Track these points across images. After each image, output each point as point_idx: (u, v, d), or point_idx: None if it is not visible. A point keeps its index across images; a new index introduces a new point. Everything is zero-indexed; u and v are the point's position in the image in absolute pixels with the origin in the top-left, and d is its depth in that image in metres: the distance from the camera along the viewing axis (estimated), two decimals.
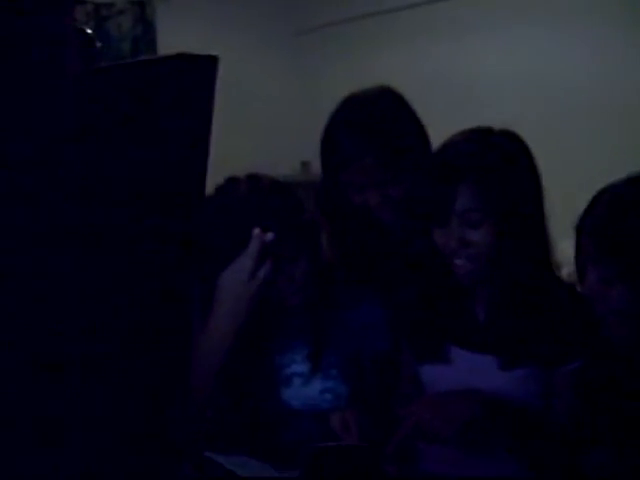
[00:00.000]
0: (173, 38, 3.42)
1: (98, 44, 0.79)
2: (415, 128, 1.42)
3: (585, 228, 1.08)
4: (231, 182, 1.33)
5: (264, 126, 3.87)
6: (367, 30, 3.85)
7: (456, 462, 1.23)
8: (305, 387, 1.31)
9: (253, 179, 1.32)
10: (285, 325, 1.35)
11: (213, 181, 1.37)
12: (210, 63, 0.60)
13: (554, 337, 1.20)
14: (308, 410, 1.30)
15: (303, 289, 1.30)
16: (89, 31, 0.77)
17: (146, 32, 3.46)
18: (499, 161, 1.20)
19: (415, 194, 1.29)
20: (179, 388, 0.66)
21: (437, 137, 1.34)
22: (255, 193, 1.29)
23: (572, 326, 1.18)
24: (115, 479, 0.63)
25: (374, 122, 1.36)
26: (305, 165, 3.62)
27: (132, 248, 0.61)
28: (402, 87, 1.49)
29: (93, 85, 0.60)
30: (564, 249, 1.24)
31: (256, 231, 1.21)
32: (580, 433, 1.14)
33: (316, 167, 1.49)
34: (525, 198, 1.22)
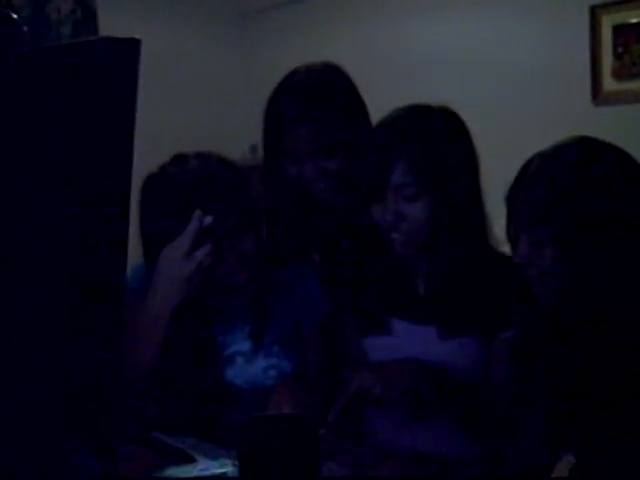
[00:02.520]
0: (115, 22, 3.36)
1: (24, 28, 0.78)
2: (355, 102, 1.43)
3: (515, 196, 1.10)
4: (179, 159, 1.32)
5: (212, 109, 3.83)
6: (315, 12, 3.85)
7: (400, 427, 1.26)
8: (248, 365, 1.32)
9: (201, 156, 1.32)
10: (227, 304, 1.35)
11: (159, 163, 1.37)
12: (132, 46, 0.59)
13: (490, 306, 1.24)
14: (253, 388, 1.31)
15: (250, 267, 1.30)
16: (14, 15, 0.76)
17: (86, 16, 3.40)
18: (434, 137, 1.22)
19: (352, 168, 1.31)
20: (111, 378, 0.66)
21: (381, 114, 1.34)
22: (203, 169, 1.29)
23: (507, 295, 1.22)
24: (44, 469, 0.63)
25: (313, 91, 1.38)
26: (254, 149, 3.61)
27: (58, 240, 0.59)
28: (348, 65, 1.49)
29: (15, 69, 0.59)
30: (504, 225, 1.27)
31: (197, 212, 1.21)
32: (515, 399, 1.18)
33: None
34: (460, 173, 1.24)
